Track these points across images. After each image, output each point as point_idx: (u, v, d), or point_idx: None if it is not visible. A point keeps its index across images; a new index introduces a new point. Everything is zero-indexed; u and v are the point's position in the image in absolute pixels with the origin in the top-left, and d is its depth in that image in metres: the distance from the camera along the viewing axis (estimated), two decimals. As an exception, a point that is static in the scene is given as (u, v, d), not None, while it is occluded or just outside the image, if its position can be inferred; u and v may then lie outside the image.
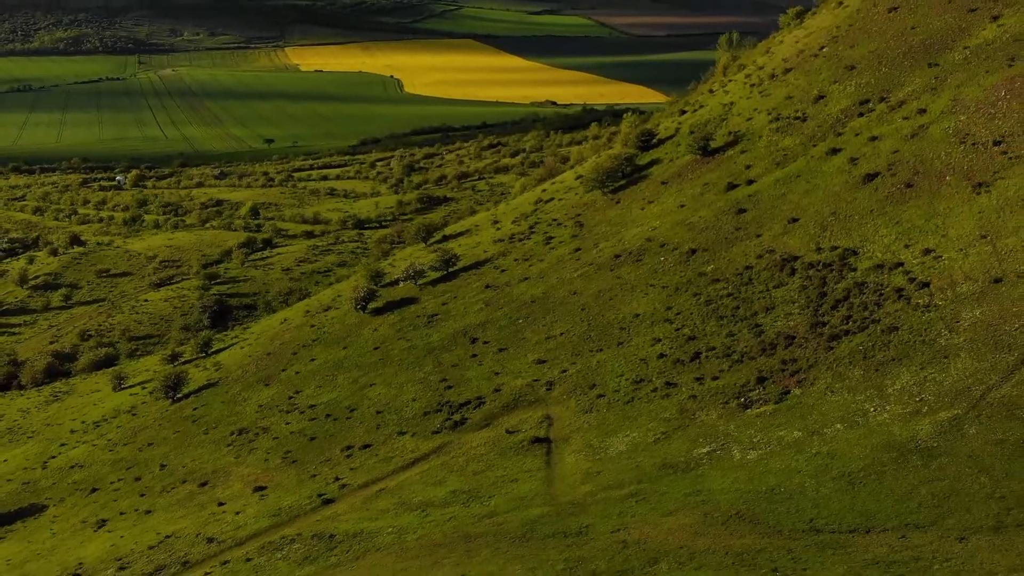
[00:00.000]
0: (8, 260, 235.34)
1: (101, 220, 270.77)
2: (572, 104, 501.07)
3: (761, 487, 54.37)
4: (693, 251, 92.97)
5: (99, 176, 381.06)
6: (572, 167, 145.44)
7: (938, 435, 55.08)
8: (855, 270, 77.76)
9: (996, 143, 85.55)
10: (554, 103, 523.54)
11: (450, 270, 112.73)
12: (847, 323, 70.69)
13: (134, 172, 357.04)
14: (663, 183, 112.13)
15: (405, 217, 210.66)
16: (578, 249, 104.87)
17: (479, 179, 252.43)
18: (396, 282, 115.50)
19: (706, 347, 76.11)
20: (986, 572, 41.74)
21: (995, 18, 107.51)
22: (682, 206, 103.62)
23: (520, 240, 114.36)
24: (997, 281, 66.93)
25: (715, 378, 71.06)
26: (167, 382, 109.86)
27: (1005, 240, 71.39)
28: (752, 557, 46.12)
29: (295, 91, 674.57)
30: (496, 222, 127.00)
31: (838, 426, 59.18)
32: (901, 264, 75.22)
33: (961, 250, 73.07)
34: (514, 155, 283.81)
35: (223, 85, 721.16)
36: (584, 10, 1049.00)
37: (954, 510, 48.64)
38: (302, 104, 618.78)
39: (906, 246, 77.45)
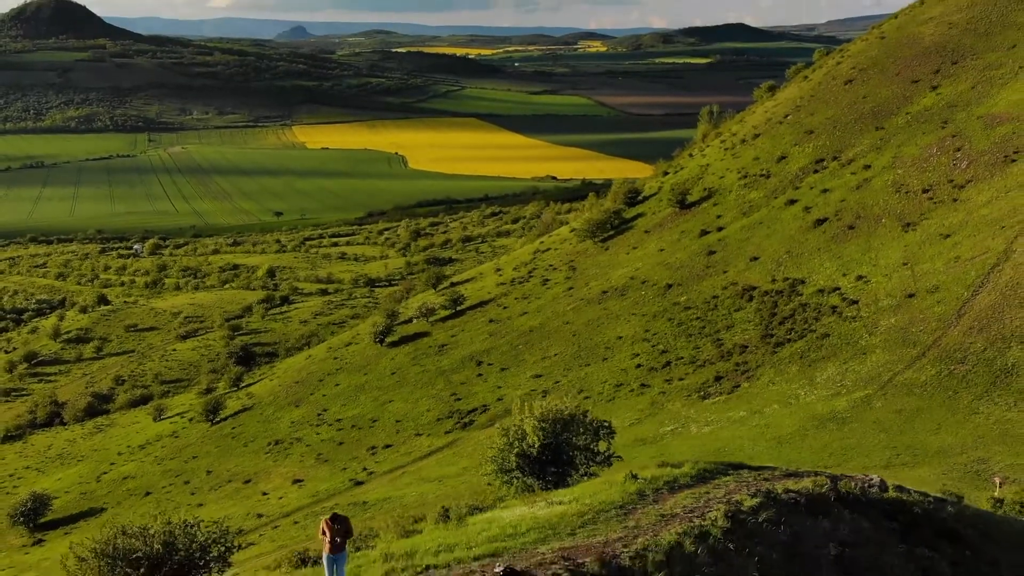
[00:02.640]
0: (37, 319, 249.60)
1: (123, 284, 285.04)
2: (571, 179, 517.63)
3: (710, 448, 68.41)
4: (669, 286, 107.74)
5: (116, 245, 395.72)
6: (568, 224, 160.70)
7: (852, 408, 69.30)
8: (801, 295, 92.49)
9: (925, 191, 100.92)
10: (554, 178, 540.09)
11: (458, 308, 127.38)
12: (790, 334, 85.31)
13: (151, 241, 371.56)
14: (646, 232, 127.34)
15: (413, 276, 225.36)
16: (571, 288, 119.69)
17: (482, 242, 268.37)
18: (410, 320, 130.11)
19: (676, 357, 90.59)
20: (872, 491, 55.63)
21: (934, 88, 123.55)
22: (661, 250, 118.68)
23: (520, 283, 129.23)
24: (911, 296, 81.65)
25: (681, 379, 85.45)
26: (207, 407, 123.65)
27: (921, 266, 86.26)
28: (698, 488, 60.04)
29: (302, 167, 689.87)
30: (499, 270, 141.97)
31: (775, 406, 73.44)
32: (838, 288, 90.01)
33: (886, 275, 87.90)
34: (515, 221, 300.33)
35: (231, 162, 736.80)
36: (584, 90, 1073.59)
37: (856, 456, 62.66)
38: (309, 180, 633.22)
39: (844, 275, 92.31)
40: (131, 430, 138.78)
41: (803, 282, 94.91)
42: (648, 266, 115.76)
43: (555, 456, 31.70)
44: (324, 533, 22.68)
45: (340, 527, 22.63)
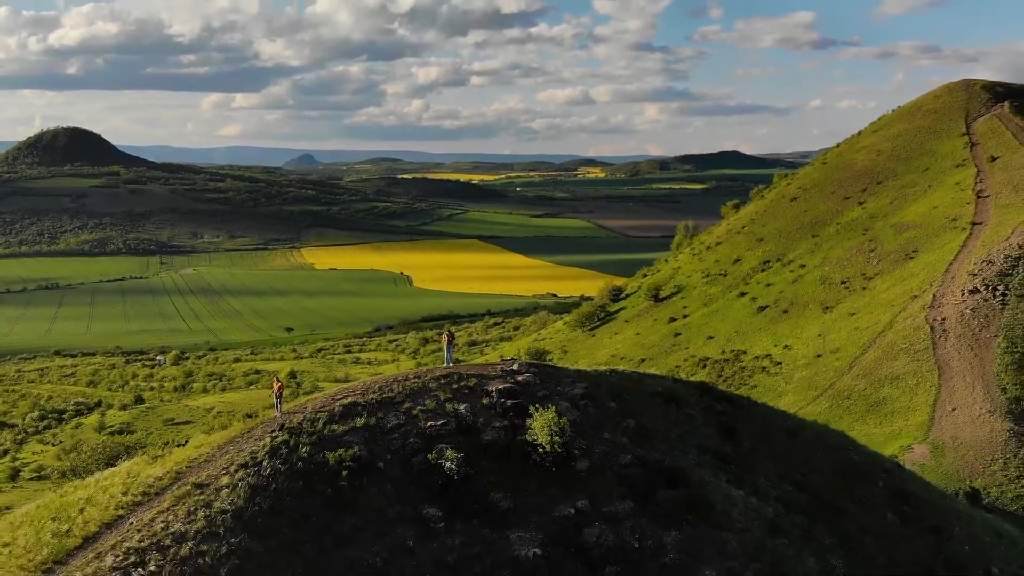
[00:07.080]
0: (78, 417, 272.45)
1: (152, 389, 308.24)
2: (571, 296, 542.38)
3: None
4: (643, 360, 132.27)
5: (138, 358, 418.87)
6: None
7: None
8: (742, 361, 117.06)
9: (843, 282, 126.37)
10: (554, 295, 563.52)
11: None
12: (729, 387, 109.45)
13: (173, 352, 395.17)
14: (626, 321, 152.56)
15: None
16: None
17: (486, 346, 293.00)
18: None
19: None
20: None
21: (861, 203, 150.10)
22: (638, 334, 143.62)
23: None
24: (819, 356, 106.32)
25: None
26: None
27: (831, 336, 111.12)
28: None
29: (311, 287, 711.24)
30: (502, 357, 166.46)
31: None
32: (769, 355, 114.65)
33: (805, 343, 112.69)
34: (516, 329, 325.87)
35: (242, 282, 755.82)
36: (584, 213, 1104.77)
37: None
38: (318, 299, 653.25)
39: (775, 345, 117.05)
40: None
41: (745, 352, 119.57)
42: (626, 346, 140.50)
43: (536, 369, 56.53)
44: (444, 337, 49.49)
45: (451, 334, 49.40)
